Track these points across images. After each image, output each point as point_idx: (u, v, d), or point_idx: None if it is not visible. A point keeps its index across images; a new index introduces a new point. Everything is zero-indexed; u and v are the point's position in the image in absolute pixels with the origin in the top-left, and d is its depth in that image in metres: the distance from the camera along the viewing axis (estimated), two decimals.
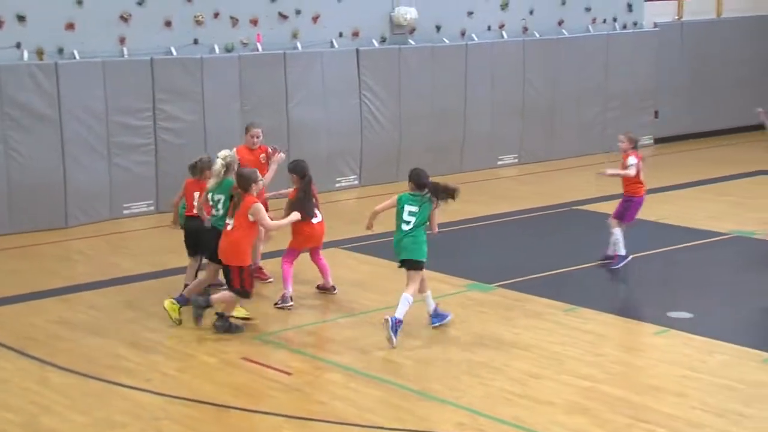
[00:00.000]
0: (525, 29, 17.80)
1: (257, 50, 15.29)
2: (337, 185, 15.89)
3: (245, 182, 9.16)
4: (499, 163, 17.52)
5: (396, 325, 8.85)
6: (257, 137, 10.84)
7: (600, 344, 8.97)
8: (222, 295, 9.40)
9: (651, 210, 13.98)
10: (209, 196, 9.53)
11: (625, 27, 18.96)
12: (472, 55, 17.01)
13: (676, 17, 19.68)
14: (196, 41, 14.81)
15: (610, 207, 14.19)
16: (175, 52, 14.56)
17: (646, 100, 19.19)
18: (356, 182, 16.11)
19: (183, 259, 10.41)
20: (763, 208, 12.37)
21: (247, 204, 9.09)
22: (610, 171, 11.38)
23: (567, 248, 12.34)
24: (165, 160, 14.34)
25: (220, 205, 9.42)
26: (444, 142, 16.72)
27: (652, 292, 10.78)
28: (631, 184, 11.35)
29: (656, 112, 19.40)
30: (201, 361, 8.70)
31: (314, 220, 10.09)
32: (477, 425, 7.35)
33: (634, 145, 11.44)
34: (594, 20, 18.57)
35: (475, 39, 17.35)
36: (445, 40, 17.09)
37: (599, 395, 7.84)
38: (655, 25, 19.26)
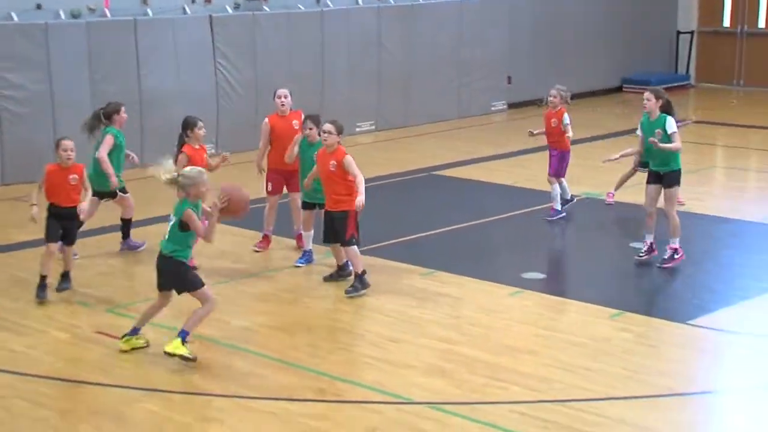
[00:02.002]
0: None
1: (106, 16, 14.85)
2: None
3: (340, 128, 9.55)
4: (357, 130, 17.54)
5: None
6: (284, 98, 10.71)
7: (457, 307, 9.11)
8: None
9: (506, 174, 14.28)
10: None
11: None
12: (327, 22, 16.94)
13: None
14: (39, 6, 14.27)
15: (467, 172, 14.51)
16: (16, 18, 14.00)
17: (499, 66, 19.50)
18: (213, 150, 15.85)
19: (26, 233, 10.09)
20: (614, 170, 12.75)
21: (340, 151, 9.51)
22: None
23: (425, 213, 12.47)
24: (9, 130, 13.83)
25: (169, 227, 7.87)
26: (301, 109, 16.58)
27: (507, 254, 11.01)
28: (563, 139, 11.80)
29: (509, 78, 19.74)
30: (52, 337, 8.45)
31: None
32: (337, 390, 7.38)
33: (566, 101, 11.83)
34: None
35: (330, 5, 17.28)
36: (300, 6, 16.97)
37: (457, 357, 7.98)
38: None
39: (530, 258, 10.67)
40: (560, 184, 11.90)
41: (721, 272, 10.04)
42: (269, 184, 10.71)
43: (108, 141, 10.17)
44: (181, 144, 9.92)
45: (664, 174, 10.00)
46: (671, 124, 9.97)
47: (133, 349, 8.04)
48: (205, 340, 8.32)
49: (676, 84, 22.23)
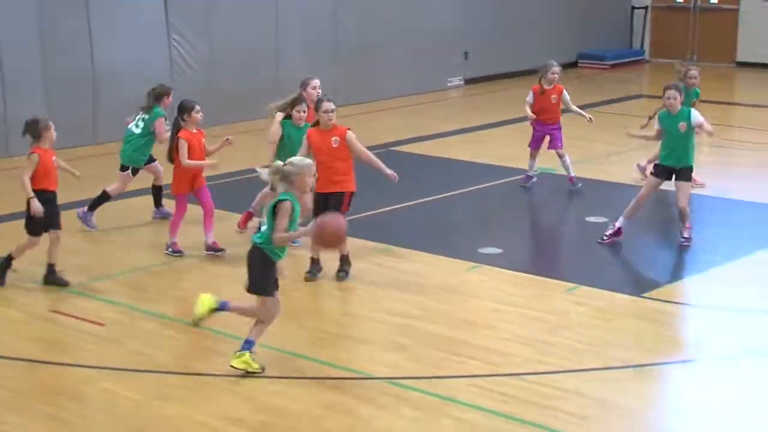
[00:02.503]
0: None
1: None
2: None
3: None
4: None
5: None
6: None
7: (415, 282, 9.14)
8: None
9: (462, 149, 14.32)
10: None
11: None
12: None
13: None
14: None
15: (424, 148, 14.52)
16: None
17: (455, 42, 19.50)
18: (167, 128, 15.71)
19: None
20: (568, 144, 12.82)
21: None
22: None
23: (383, 189, 12.42)
24: None
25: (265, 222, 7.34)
26: (256, 85, 16.51)
27: (465, 229, 11.05)
28: (558, 113, 12.00)
29: (466, 53, 19.76)
30: (6, 317, 8.38)
31: None
32: (294, 367, 7.39)
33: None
34: None
35: None
36: None
37: (415, 332, 8.02)
38: None
39: (487, 233, 10.72)
40: (563, 155, 12.10)
41: (675, 246, 10.16)
42: None
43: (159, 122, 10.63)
44: (177, 129, 9.75)
45: (680, 169, 9.90)
46: (697, 116, 9.86)
47: (247, 372, 7.15)
48: (162, 317, 8.29)
49: (630, 59, 22.39)
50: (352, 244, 10.14)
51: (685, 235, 9.98)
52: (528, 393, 6.91)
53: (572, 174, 12.07)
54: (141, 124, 10.66)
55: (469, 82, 19.93)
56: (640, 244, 10.23)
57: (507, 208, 11.77)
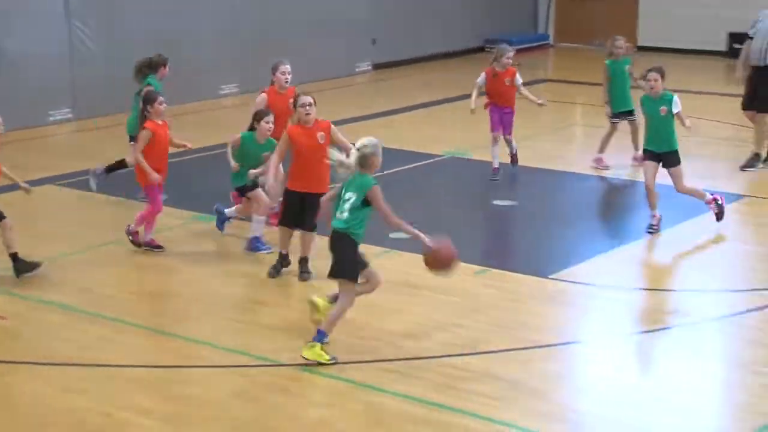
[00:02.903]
0: None
1: None
2: (51, 119, 15.14)
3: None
4: (221, 92, 17.27)
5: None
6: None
7: (324, 269, 9.05)
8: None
9: (370, 134, 14.22)
10: (342, 192, 7.34)
11: None
12: None
13: None
14: None
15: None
16: None
17: (363, 27, 19.45)
18: (70, 115, 15.40)
19: None
20: (477, 129, 12.91)
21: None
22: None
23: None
24: None
25: (347, 205, 7.30)
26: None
27: (373, 215, 11.00)
28: (514, 97, 11.91)
29: (374, 39, 19.73)
30: None
31: None
32: (204, 355, 7.29)
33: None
34: None
35: None
36: None
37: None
38: None
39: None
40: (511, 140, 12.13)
41: (579, 227, 10.30)
42: None
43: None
44: (144, 119, 9.42)
45: (662, 154, 9.78)
46: (678, 102, 9.75)
47: (318, 363, 7.03)
48: (65, 308, 8.10)
49: (536, 44, 22.62)
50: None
51: (715, 197, 9.88)
52: (438, 375, 6.94)
53: (494, 163, 11.96)
54: (137, 93, 10.68)
55: (377, 67, 19.91)
56: (546, 226, 10.34)
57: (415, 193, 11.77)
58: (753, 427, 6.26)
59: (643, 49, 21.33)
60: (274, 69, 10.29)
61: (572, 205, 11.09)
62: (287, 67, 10.26)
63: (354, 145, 7.37)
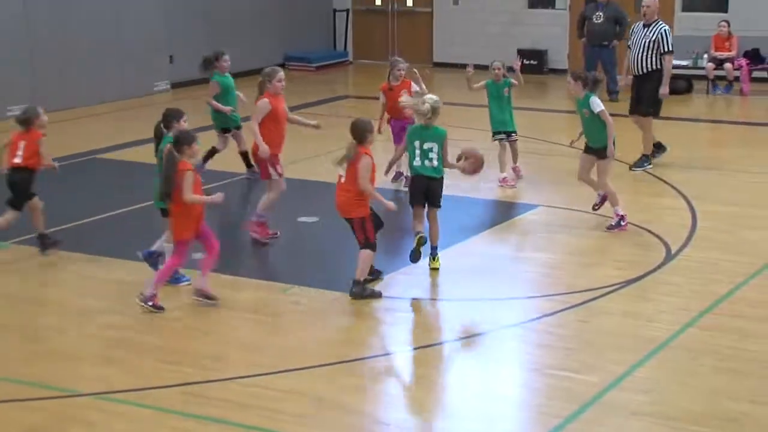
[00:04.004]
0: None
1: None
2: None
3: (360, 133, 8.62)
4: (9, 114, 16.59)
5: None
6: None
7: (128, 292, 8.86)
8: (359, 259, 8.75)
9: None
10: (415, 143, 9.16)
11: None
12: None
13: None
14: None
15: (131, 154, 14.11)
16: None
17: (159, 46, 19.13)
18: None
19: None
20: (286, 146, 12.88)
21: (359, 154, 8.58)
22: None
23: (88, 198, 12.06)
24: None
25: (433, 154, 9.10)
26: None
27: None
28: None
29: (171, 57, 19.44)
30: None
31: None
32: None
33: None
34: None
35: None
36: None
37: (127, 343, 7.80)
38: None
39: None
40: None
41: (387, 240, 10.43)
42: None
43: (212, 86, 12.76)
44: (174, 162, 8.33)
45: (597, 149, 10.46)
46: (595, 103, 10.36)
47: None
48: None
49: (335, 61, 22.85)
50: (57, 255, 9.75)
51: (618, 213, 10.51)
52: (245, 396, 6.89)
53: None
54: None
55: (176, 86, 19.62)
56: (350, 242, 10.43)
57: (220, 211, 11.63)
58: (548, 428, 6.52)
59: (438, 65, 21.95)
60: (270, 77, 10.52)
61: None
62: (282, 74, 10.58)
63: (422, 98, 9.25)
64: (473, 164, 9.27)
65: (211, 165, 12.82)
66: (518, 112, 12.88)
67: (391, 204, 8.80)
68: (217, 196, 8.53)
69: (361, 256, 8.74)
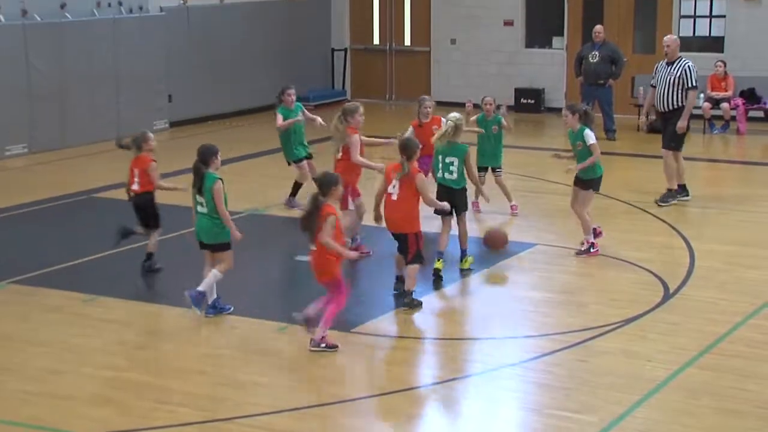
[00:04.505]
0: (24, 12, 16.99)
1: None
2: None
3: (413, 151, 9.36)
4: (7, 153, 16.62)
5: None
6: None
7: (123, 332, 8.86)
8: (408, 271, 9.36)
9: (169, 193, 14.01)
10: (439, 157, 10.22)
11: (131, 11, 18.80)
12: None
13: (182, 2, 19.89)
14: None
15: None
16: None
17: (158, 84, 19.21)
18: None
19: None
20: (276, 185, 12.93)
21: (414, 172, 9.30)
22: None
23: (86, 237, 12.04)
24: None
25: (453, 167, 10.13)
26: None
27: (174, 274, 10.83)
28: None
29: (170, 96, 19.51)
30: None
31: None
32: None
33: None
34: (99, 4, 18.20)
35: None
36: None
37: (124, 383, 7.76)
38: (162, 9, 19.33)
39: (197, 276, 10.53)
40: None
41: (381, 279, 10.43)
42: None
43: (277, 119, 12.99)
44: (317, 205, 8.32)
45: (586, 180, 10.86)
46: (589, 136, 10.74)
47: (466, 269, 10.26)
48: None
49: (334, 99, 22.93)
50: (56, 295, 9.73)
51: (588, 239, 10.96)
52: None
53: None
54: None
55: (174, 124, 19.67)
56: (349, 279, 10.41)
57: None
58: None
59: (436, 103, 22.01)
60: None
61: (373, 260, 11.23)
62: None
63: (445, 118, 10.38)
64: (494, 243, 10.44)
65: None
66: (515, 150, 12.95)
67: (445, 205, 9.83)
68: (353, 254, 8.87)
69: (411, 269, 9.37)
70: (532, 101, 20.86)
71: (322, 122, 13.00)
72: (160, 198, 10.89)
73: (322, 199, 8.27)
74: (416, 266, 9.33)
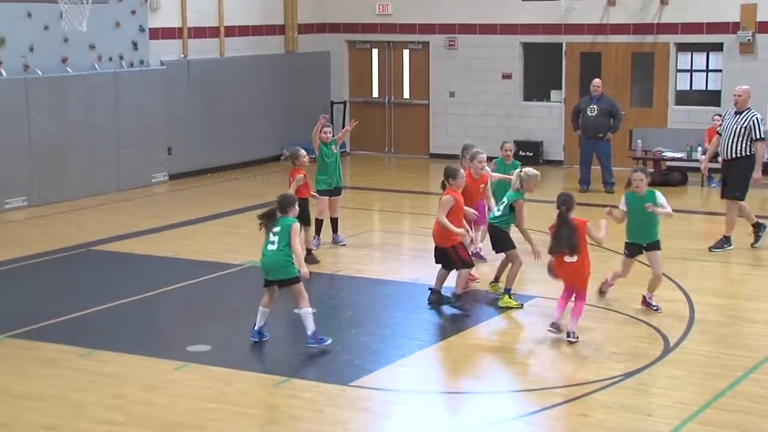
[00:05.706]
0: (26, 67, 17.11)
1: None
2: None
3: (451, 174, 10.78)
4: (7, 206, 16.64)
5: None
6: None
7: (120, 386, 8.80)
8: (458, 277, 10.73)
9: (169, 246, 14.05)
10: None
11: (132, 65, 18.93)
12: None
13: (183, 56, 20.04)
14: None
15: (129, 245, 14.11)
16: None
17: (158, 137, 19.28)
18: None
19: None
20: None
21: (444, 193, 10.73)
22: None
23: (84, 290, 12.00)
24: None
25: (500, 206, 11.14)
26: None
27: (172, 328, 10.82)
28: (480, 199, 12.20)
29: (169, 149, 19.58)
30: None
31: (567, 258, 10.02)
32: None
33: None
34: (100, 58, 18.33)
35: None
36: None
37: None
38: (162, 63, 19.46)
39: (196, 330, 10.52)
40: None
41: (379, 332, 10.40)
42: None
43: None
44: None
45: (647, 245, 10.68)
46: (662, 198, 10.68)
47: (508, 307, 10.79)
48: None
49: None
50: (52, 349, 9.68)
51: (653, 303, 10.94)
52: None
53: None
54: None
55: (174, 177, 19.72)
56: (347, 332, 10.38)
57: (214, 304, 11.62)
58: None
59: (434, 156, 22.12)
60: (472, 158, 11.80)
61: (372, 310, 11.20)
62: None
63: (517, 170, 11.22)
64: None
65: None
66: None
67: (451, 227, 10.47)
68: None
69: (461, 274, 10.69)
70: (531, 154, 20.94)
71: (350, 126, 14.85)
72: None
73: (568, 215, 9.93)
74: (465, 271, 10.73)
